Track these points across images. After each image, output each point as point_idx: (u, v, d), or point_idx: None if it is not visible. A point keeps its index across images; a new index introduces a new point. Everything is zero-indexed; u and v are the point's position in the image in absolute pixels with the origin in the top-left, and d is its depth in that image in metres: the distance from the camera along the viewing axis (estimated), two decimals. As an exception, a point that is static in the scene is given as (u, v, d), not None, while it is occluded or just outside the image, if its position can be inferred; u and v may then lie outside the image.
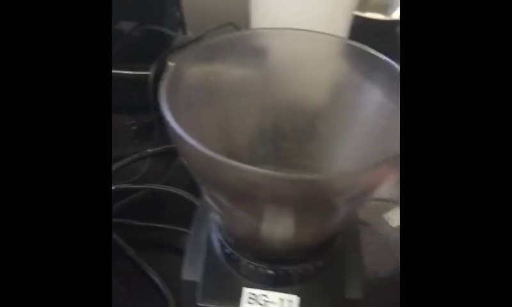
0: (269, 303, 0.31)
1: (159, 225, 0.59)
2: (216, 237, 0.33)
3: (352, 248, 0.34)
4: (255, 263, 0.31)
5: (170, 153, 0.63)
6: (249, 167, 0.23)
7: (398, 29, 0.78)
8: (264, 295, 0.31)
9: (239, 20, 0.71)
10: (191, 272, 0.33)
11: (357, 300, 0.33)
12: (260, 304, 0.31)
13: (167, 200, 0.64)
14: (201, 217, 0.35)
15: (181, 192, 0.59)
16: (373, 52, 0.32)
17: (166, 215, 0.63)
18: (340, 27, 0.48)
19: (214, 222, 0.34)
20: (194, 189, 0.60)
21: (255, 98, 0.34)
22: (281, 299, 0.31)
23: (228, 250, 0.32)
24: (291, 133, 0.36)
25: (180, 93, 0.29)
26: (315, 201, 0.26)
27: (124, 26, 0.66)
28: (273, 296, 0.31)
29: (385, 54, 0.32)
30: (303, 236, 0.30)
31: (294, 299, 0.31)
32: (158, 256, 0.58)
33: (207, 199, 0.31)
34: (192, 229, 0.35)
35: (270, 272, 0.31)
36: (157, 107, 0.27)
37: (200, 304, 0.32)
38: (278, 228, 0.29)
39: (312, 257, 0.32)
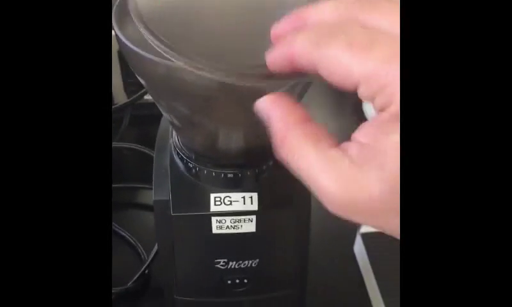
0: (233, 202, 0.36)
1: (119, 185, 0.63)
2: (177, 156, 0.38)
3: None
4: (216, 170, 0.36)
5: (119, 111, 0.66)
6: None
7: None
8: (228, 196, 0.36)
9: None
10: (160, 191, 0.37)
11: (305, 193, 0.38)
12: (226, 204, 0.36)
13: (121, 158, 0.68)
14: (161, 142, 0.40)
15: (134, 145, 0.62)
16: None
17: (124, 173, 0.66)
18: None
19: (174, 143, 0.38)
20: (147, 142, 0.63)
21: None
22: (243, 197, 0.36)
23: (191, 164, 0.37)
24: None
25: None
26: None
27: None
28: (236, 196, 0.36)
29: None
30: (252, 136, 0.35)
31: (254, 195, 0.36)
32: (123, 214, 0.62)
33: (165, 117, 0.35)
34: (155, 154, 0.39)
35: (230, 175, 0.36)
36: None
37: (174, 214, 0.36)
38: (228, 131, 0.34)
39: (264, 158, 0.37)
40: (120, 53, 0.65)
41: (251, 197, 0.36)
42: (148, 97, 0.65)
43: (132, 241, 0.59)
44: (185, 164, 0.37)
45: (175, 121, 0.35)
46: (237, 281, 0.38)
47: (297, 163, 0.23)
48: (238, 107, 0.32)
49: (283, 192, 0.37)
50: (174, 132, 0.38)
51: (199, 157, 0.36)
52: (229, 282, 0.38)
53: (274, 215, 0.37)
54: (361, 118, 0.74)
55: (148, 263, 0.55)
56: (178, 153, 0.38)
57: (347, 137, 0.24)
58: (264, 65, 0.26)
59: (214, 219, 0.36)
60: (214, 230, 0.36)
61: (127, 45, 0.29)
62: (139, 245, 0.58)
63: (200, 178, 0.37)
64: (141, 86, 0.61)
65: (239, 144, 0.36)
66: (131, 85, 0.69)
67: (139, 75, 0.32)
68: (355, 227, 0.57)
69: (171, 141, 0.39)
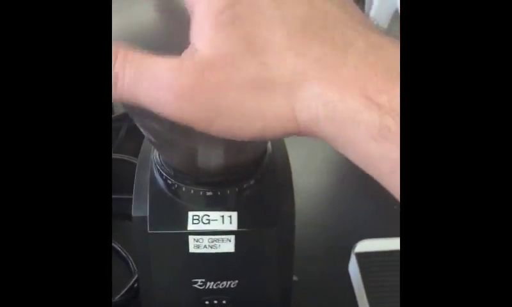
0: (211, 221, 0.35)
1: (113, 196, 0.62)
2: (158, 173, 0.37)
3: (281, 164, 0.38)
4: (195, 188, 0.35)
5: (117, 121, 0.66)
6: None
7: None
8: (207, 215, 0.35)
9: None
10: (139, 207, 0.37)
11: (289, 211, 0.37)
12: (204, 223, 0.35)
13: (116, 169, 0.67)
14: (143, 159, 0.39)
15: (128, 157, 0.62)
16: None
17: (118, 184, 0.65)
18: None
19: (155, 159, 0.37)
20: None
21: None
22: (222, 216, 0.35)
23: (170, 181, 0.36)
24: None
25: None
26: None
27: None
28: (214, 214, 0.35)
29: None
30: (231, 154, 0.34)
31: (233, 214, 0.35)
32: (116, 226, 0.61)
33: (144, 133, 0.34)
34: (136, 171, 0.39)
35: (209, 193, 0.35)
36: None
37: (150, 232, 0.35)
38: (205, 147, 0.33)
39: (245, 176, 0.36)
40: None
41: (230, 216, 0.35)
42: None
43: (123, 253, 0.58)
44: (165, 181, 0.36)
45: (151, 138, 0.34)
46: (215, 301, 0.37)
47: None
48: None
49: (265, 212, 0.36)
50: (154, 150, 0.38)
51: (178, 174, 0.36)
52: (207, 302, 0.37)
53: (254, 235, 0.36)
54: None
55: (136, 277, 0.54)
56: (158, 169, 0.37)
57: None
58: None
59: (191, 237, 0.35)
60: (191, 249, 0.35)
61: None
62: (130, 257, 0.57)
63: (179, 196, 0.36)
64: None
65: (218, 161, 0.35)
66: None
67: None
68: (350, 246, 0.56)
69: (152, 156, 0.38)
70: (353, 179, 0.66)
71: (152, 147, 0.38)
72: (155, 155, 0.37)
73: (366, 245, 0.55)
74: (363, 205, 0.62)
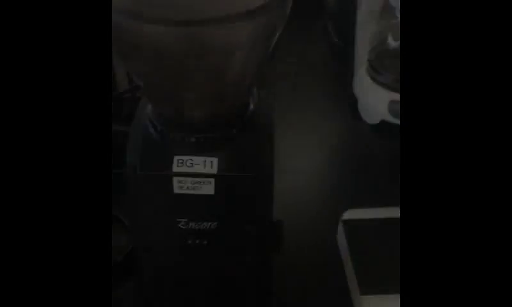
0: (194, 165, 0.39)
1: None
2: (150, 124, 0.41)
3: (265, 120, 0.42)
4: (180, 134, 0.39)
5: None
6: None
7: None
8: (191, 159, 0.39)
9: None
10: (131, 155, 0.41)
11: (267, 161, 0.40)
12: (188, 166, 0.39)
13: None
14: (139, 114, 0.43)
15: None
16: None
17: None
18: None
19: (149, 112, 0.41)
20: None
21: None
22: (204, 161, 0.39)
23: (159, 128, 0.40)
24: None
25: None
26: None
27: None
28: (198, 159, 0.39)
29: None
30: (212, 99, 0.38)
31: (214, 160, 0.39)
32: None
33: (135, 77, 0.38)
34: (132, 124, 0.43)
35: (193, 139, 0.39)
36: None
37: (140, 173, 0.39)
38: (190, 91, 0.37)
39: (228, 125, 0.40)
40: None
41: (212, 161, 0.39)
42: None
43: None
44: (156, 130, 0.40)
45: (149, 83, 0.38)
46: (197, 241, 0.41)
47: None
48: (199, 59, 0.35)
49: (244, 160, 0.40)
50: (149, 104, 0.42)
51: (167, 123, 0.40)
52: (189, 242, 0.41)
53: (232, 179, 0.39)
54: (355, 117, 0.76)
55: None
56: (150, 121, 0.41)
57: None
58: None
59: (175, 179, 0.39)
60: (176, 190, 0.39)
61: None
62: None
63: (167, 142, 0.40)
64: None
65: (202, 108, 0.39)
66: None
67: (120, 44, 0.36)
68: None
69: (146, 111, 0.42)
70: (343, 158, 0.70)
71: (147, 103, 0.42)
72: (149, 109, 0.41)
73: (354, 213, 0.58)
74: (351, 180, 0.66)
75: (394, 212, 0.56)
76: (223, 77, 0.37)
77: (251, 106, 0.41)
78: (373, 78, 0.75)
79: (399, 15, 0.71)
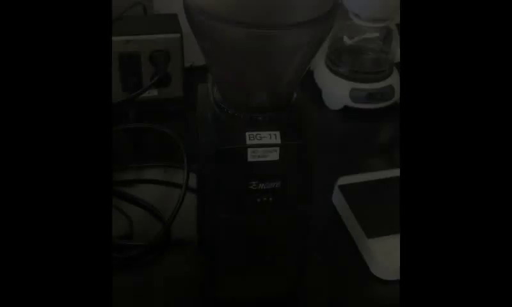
0: (262, 138, 0.50)
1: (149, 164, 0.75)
2: (218, 107, 0.51)
3: (304, 103, 0.53)
4: (249, 114, 0.50)
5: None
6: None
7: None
8: (259, 134, 0.50)
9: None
10: (206, 136, 0.50)
11: (314, 132, 0.52)
12: (258, 139, 0.49)
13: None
14: (201, 102, 0.53)
15: (162, 127, 0.74)
16: None
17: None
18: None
19: (215, 99, 0.51)
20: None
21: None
22: (270, 134, 0.50)
23: (230, 111, 0.50)
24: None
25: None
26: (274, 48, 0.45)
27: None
28: (264, 133, 0.50)
29: None
30: (275, 87, 0.49)
31: (277, 133, 0.50)
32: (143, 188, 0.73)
33: (210, 73, 0.48)
34: (196, 112, 0.52)
35: (260, 118, 0.50)
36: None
37: (220, 148, 0.49)
38: (258, 80, 0.48)
39: (281, 108, 0.51)
40: (120, 58, 0.78)
41: (275, 134, 0.50)
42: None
43: (148, 207, 0.70)
44: (225, 113, 0.50)
45: (223, 75, 0.49)
46: (264, 199, 0.51)
47: None
48: (265, 55, 0.46)
49: (297, 131, 0.51)
50: (214, 92, 0.52)
51: (236, 106, 0.50)
52: (258, 200, 0.51)
53: (291, 147, 0.50)
54: (321, 104, 0.89)
55: (171, 220, 0.66)
56: (218, 106, 0.51)
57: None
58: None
59: (250, 150, 0.49)
60: (249, 159, 0.49)
61: (198, 15, 0.43)
62: (157, 209, 0.70)
63: (237, 122, 0.50)
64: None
65: (266, 95, 0.50)
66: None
67: (203, 40, 0.46)
68: (331, 183, 0.72)
69: (211, 99, 0.52)
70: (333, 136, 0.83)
71: (210, 93, 0.52)
72: (215, 96, 0.51)
73: (346, 179, 0.71)
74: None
75: (375, 176, 0.70)
76: (285, 72, 0.48)
77: (294, 94, 0.53)
78: (333, 71, 0.89)
79: (352, 17, 0.86)
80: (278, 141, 0.50)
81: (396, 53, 0.88)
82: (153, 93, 0.82)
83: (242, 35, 0.44)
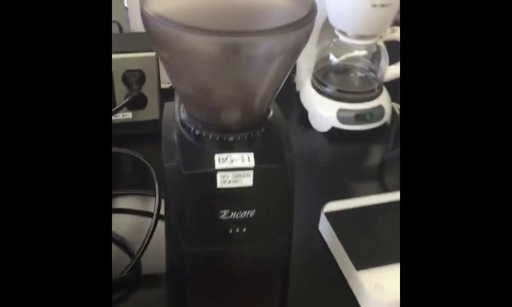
0: (234, 160, 0.44)
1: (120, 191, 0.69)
2: (184, 128, 0.45)
3: (280, 122, 0.48)
4: (219, 135, 0.44)
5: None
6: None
7: None
8: (230, 156, 0.44)
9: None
10: (170, 159, 0.45)
11: (290, 155, 0.47)
12: (229, 162, 0.44)
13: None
14: (167, 122, 0.47)
15: (132, 152, 0.69)
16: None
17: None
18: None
19: (180, 119, 0.46)
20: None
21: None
22: (242, 156, 0.44)
23: (197, 132, 0.45)
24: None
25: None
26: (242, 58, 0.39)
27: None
28: (236, 156, 0.44)
29: None
30: (247, 103, 0.44)
31: (250, 155, 0.45)
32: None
33: (175, 89, 0.43)
34: (162, 132, 0.47)
35: (231, 138, 0.44)
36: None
37: (185, 173, 0.44)
38: (227, 95, 0.42)
39: (256, 126, 0.46)
40: (123, 75, 0.74)
41: (249, 156, 0.44)
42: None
43: (117, 239, 0.64)
44: (192, 133, 0.45)
45: (188, 91, 0.43)
46: (237, 230, 0.46)
47: None
48: (237, 67, 0.40)
49: (273, 153, 0.46)
50: (180, 111, 0.47)
51: (204, 126, 0.45)
52: (230, 231, 0.45)
53: (267, 170, 0.45)
54: (307, 126, 0.85)
55: (140, 253, 0.60)
56: (184, 126, 0.46)
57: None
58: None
59: (219, 174, 0.44)
60: (219, 185, 0.44)
61: (154, 22, 0.38)
62: (127, 241, 0.64)
63: (205, 143, 0.45)
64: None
65: (237, 113, 0.45)
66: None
67: (162, 50, 0.40)
68: (318, 209, 0.66)
69: (177, 118, 0.47)
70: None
71: (176, 113, 0.47)
72: (181, 116, 0.46)
73: (333, 206, 0.65)
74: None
75: (365, 201, 0.65)
76: (258, 85, 0.43)
77: (270, 113, 0.48)
78: (319, 91, 0.84)
79: (338, 34, 0.81)
80: (252, 164, 0.44)
81: (385, 71, 0.84)
82: (128, 115, 0.77)
83: (207, 44, 0.39)
